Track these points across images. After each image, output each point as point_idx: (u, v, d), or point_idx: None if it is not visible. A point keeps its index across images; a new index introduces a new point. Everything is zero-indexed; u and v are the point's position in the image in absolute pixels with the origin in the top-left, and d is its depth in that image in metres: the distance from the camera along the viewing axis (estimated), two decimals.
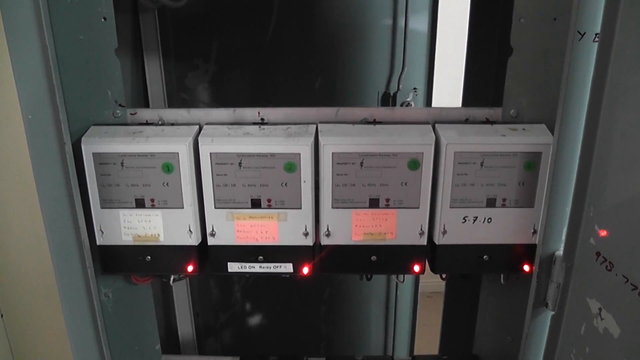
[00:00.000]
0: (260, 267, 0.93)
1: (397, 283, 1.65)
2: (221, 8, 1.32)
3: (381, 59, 1.43)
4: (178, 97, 1.35)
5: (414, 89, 1.47)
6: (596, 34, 0.78)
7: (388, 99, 1.45)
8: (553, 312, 0.87)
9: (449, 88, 1.61)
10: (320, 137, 0.86)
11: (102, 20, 0.88)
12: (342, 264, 0.92)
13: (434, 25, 1.46)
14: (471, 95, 1.19)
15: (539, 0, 0.86)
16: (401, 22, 1.41)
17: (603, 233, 0.80)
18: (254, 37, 1.35)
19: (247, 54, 1.37)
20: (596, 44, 0.79)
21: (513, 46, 0.88)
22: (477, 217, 0.89)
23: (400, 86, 1.45)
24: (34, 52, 0.82)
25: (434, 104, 1.52)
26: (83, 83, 0.90)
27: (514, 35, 0.88)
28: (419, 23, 1.44)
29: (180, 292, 1.50)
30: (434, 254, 0.92)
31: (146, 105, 1.30)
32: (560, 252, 0.86)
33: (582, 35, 0.79)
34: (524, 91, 0.90)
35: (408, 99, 1.45)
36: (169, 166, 0.87)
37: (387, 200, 0.88)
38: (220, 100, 1.39)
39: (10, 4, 0.78)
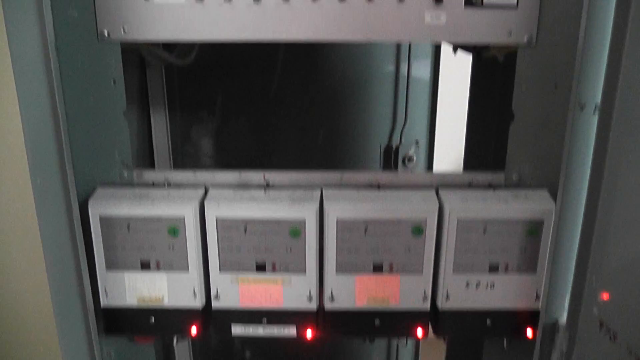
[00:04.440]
0: (263, 330, 0.93)
1: (398, 345, 1.65)
2: (226, 63, 1.34)
3: (383, 112, 1.45)
4: (182, 149, 1.37)
5: (416, 141, 1.48)
6: (596, 106, 0.80)
7: (390, 152, 1.46)
8: None
9: (450, 140, 1.63)
10: (325, 203, 0.87)
11: (112, 83, 0.89)
12: (345, 328, 0.93)
13: (435, 76, 1.48)
14: (473, 155, 1.21)
15: (540, 67, 0.87)
16: (404, 70, 1.43)
17: (605, 297, 0.81)
18: (258, 90, 1.36)
19: (251, 106, 1.39)
20: (597, 116, 0.80)
21: (515, 112, 0.90)
22: (479, 283, 0.90)
23: (402, 139, 1.46)
24: (45, 113, 0.83)
25: (435, 157, 1.54)
26: (91, 144, 0.91)
27: (516, 102, 0.89)
28: (421, 73, 1.46)
29: (183, 353, 1.49)
30: (437, 318, 0.92)
31: (151, 155, 1.31)
32: (563, 319, 0.86)
33: (583, 107, 0.80)
34: (526, 156, 0.91)
35: (410, 152, 1.46)
36: (175, 230, 0.88)
37: (391, 265, 0.89)
38: (224, 151, 1.40)
39: (22, 65, 0.80)
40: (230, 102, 1.38)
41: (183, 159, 1.38)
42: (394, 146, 1.46)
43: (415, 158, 1.47)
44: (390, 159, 1.47)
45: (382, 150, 1.47)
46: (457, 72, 1.40)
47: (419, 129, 1.49)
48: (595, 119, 0.80)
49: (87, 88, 0.89)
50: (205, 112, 1.38)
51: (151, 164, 1.26)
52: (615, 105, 0.76)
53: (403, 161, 1.47)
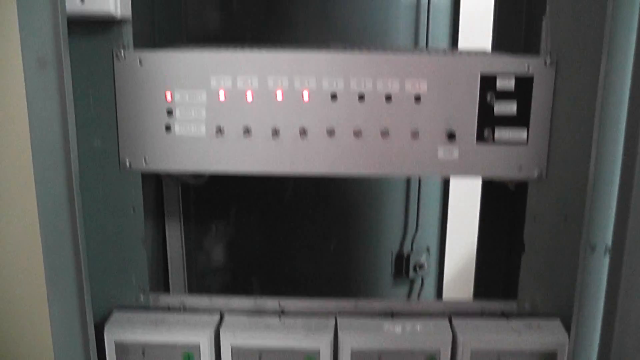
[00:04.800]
0: None
1: None
2: (240, 181, 1.37)
3: (394, 220, 1.46)
4: (196, 261, 1.38)
5: (427, 248, 1.49)
6: (607, 247, 0.81)
7: (402, 259, 1.47)
8: None
9: (461, 247, 1.64)
10: (339, 333, 0.87)
11: (132, 210, 0.92)
12: None
13: (446, 187, 1.51)
14: (483, 277, 1.22)
15: (550, 200, 0.89)
16: (415, 177, 1.45)
17: None
18: (271, 202, 1.39)
19: (264, 217, 1.41)
20: (608, 256, 0.81)
21: (526, 243, 0.91)
22: None
23: (414, 246, 1.47)
24: (65, 239, 0.85)
25: (446, 266, 1.55)
26: (109, 268, 0.93)
27: (527, 233, 0.91)
28: (431, 181, 1.48)
29: None
30: None
31: (165, 266, 1.32)
32: None
33: (594, 249, 0.81)
34: (539, 286, 0.92)
35: (421, 260, 1.47)
36: (190, 356, 0.89)
37: None
38: (237, 262, 1.42)
39: (46, 191, 0.82)
40: (243, 214, 1.40)
41: (196, 269, 1.39)
42: (405, 254, 1.47)
43: (426, 265, 1.48)
44: (402, 266, 1.48)
45: (393, 258, 1.48)
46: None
47: (430, 236, 1.51)
48: (606, 260, 0.81)
49: (106, 215, 0.92)
50: (220, 222, 1.40)
51: (165, 280, 1.27)
52: (626, 248, 0.78)
53: (414, 269, 1.47)
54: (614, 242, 0.80)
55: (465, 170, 0.88)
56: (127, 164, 0.89)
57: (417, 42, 1.39)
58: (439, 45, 1.42)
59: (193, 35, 1.29)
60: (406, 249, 1.48)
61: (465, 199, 1.44)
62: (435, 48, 1.17)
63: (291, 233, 1.44)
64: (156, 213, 1.26)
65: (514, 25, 1.07)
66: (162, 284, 1.24)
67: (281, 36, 1.34)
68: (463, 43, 1.44)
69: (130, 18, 0.86)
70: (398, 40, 1.39)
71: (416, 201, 1.46)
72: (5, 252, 1.02)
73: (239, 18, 1.34)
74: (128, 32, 0.86)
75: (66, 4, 0.80)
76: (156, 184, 1.24)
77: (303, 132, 0.86)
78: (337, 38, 1.34)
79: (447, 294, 1.59)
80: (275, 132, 0.86)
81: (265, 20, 1.35)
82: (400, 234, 1.47)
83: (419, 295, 1.52)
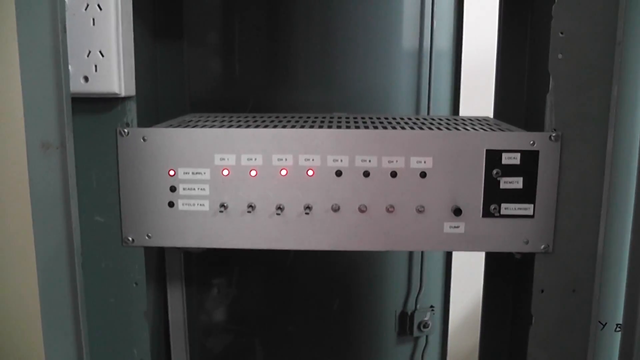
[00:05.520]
0: None
1: None
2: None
3: (398, 278, 1.45)
4: (197, 324, 1.36)
5: (431, 307, 1.48)
6: (617, 325, 0.80)
7: (405, 318, 1.46)
8: None
9: (466, 305, 1.63)
10: None
11: (134, 285, 0.91)
12: None
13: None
14: (488, 353, 1.21)
15: (558, 273, 0.88)
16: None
17: None
18: (273, 262, 1.38)
19: (266, 277, 1.39)
20: (619, 333, 0.80)
21: (533, 314, 0.90)
22: None
23: (418, 305, 1.46)
24: (66, 314, 0.83)
25: (451, 324, 1.53)
26: (110, 341, 0.92)
27: (535, 306, 0.90)
28: None
29: None
30: None
31: (166, 329, 1.30)
32: None
33: (604, 326, 0.80)
34: (547, 356, 0.91)
35: (425, 318, 1.46)
36: None
37: None
38: (239, 324, 1.40)
39: (46, 268, 0.81)
40: (245, 275, 1.39)
41: (199, 340, 1.37)
42: (409, 312, 1.46)
43: (430, 324, 1.46)
44: (406, 324, 1.46)
45: (397, 316, 1.46)
46: None
47: (434, 293, 1.49)
48: (617, 337, 0.80)
49: (108, 290, 0.91)
50: (221, 281, 1.39)
51: (167, 342, 1.26)
52: (638, 324, 0.76)
53: (419, 327, 1.46)
54: (625, 318, 0.79)
55: (472, 245, 0.87)
56: (130, 239, 0.88)
57: (419, 108, 1.39)
58: (440, 109, 1.42)
59: (196, 102, 1.30)
60: (410, 307, 1.46)
61: (469, 257, 1.43)
62: (438, 117, 1.16)
63: (294, 292, 1.42)
64: (158, 278, 1.25)
65: (515, 97, 1.08)
66: (163, 351, 1.23)
67: (284, 100, 1.35)
68: (464, 109, 1.44)
69: (134, 95, 0.87)
70: (400, 106, 1.39)
71: (420, 259, 1.45)
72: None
73: (242, 83, 1.34)
74: (132, 109, 0.86)
75: (70, 83, 0.80)
76: (158, 249, 1.23)
77: (308, 209, 0.85)
78: (340, 101, 1.34)
79: (451, 352, 1.57)
80: (280, 209, 0.86)
81: (268, 85, 1.35)
82: (404, 291, 1.46)
83: (422, 354, 1.50)
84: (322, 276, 1.42)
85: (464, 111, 1.44)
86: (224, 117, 1.07)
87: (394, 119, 1.06)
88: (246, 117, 1.06)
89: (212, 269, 1.37)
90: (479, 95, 1.30)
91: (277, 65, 1.35)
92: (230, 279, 1.38)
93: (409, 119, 1.06)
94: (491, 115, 1.16)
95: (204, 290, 1.37)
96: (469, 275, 1.42)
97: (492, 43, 1.18)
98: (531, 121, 1.03)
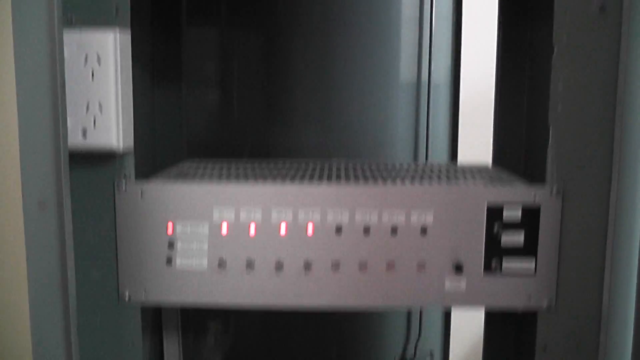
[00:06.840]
0: None
1: None
2: None
3: (397, 324, 1.44)
4: None
5: (430, 353, 1.46)
6: None
7: None
8: None
9: (465, 351, 1.61)
10: None
11: (130, 344, 0.89)
12: None
13: None
14: None
15: (561, 329, 0.87)
16: None
17: None
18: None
19: (263, 325, 1.38)
20: None
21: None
22: None
23: (417, 352, 1.44)
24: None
25: None
26: None
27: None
28: None
29: None
30: None
31: None
32: None
33: None
34: None
35: None
36: None
37: None
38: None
39: (41, 333, 0.79)
40: (243, 326, 1.37)
41: None
42: (408, 358, 1.44)
43: None
44: None
45: None
46: None
47: (433, 340, 1.48)
48: None
49: (104, 347, 0.89)
50: (217, 323, 1.37)
51: None
52: None
53: None
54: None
55: (473, 302, 0.86)
56: (127, 297, 0.87)
57: (417, 143, 1.39)
58: (438, 145, 1.42)
59: (194, 145, 1.29)
60: (409, 353, 1.44)
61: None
62: (437, 164, 1.15)
63: (292, 339, 1.41)
64: (153, 325, 1.23)
65: (514, 142, 1.07)
66: None
67: (282, 142, 1.34)
68: (463, 146, 1.44)
69: (132, 149, 0.86)
70: (399, 143, 1.39)
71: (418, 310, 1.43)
72: None
73: (239, 126, 1.34)
74: (130, 164, 0.85)
75: (68, 138, 0.79)
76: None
77: (307, 266, 0.84)
78: (338, 141, 1.34)
79: None
80: (279, 266, 0.85)
81: (265, 128, 1.35)
82: (403, 338, 1.44)
83: None
84: (321, 322, 1.40)
85: (463, 146, 1.44)
86: (222, 166, 1.06)
87: (394, 167, 1.05)
88: (244, 166, 1.05)
89: (208, 316, 1.35)
90: (477, 131, 1.30)
91: (275, 108, 1.35)
92: (227, 326, 1.37)
93: (408, 167, 1.05)
94: (489, 155, 1.15)
95: (200, 338, 1.35)
96: (470, 319, 1.40)
97: (490, 73, 1.17)
98: (530, 166, 1.02)
